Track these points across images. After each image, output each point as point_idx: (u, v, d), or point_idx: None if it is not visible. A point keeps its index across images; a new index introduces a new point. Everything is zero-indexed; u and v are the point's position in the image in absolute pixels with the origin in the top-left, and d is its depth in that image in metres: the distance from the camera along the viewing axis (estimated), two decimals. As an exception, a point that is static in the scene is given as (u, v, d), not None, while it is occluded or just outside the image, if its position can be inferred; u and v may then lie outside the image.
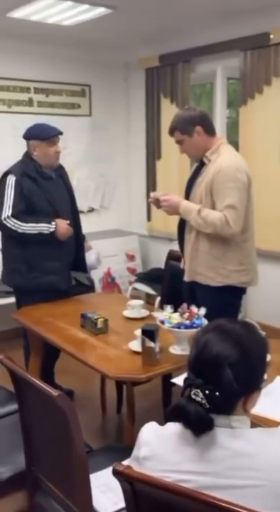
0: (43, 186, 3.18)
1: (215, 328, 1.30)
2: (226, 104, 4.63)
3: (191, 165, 3.08)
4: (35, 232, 3.13)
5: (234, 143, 4.23)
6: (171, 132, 2.90)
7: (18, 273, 3.24)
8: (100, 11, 3.77)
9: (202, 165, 2.89)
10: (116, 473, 1.25)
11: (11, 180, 3.14)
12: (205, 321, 2.35)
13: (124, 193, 5.45)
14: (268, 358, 1.33)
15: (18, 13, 3.79)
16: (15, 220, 3.11)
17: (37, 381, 1.73)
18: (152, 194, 3.07)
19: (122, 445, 2.53)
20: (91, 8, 3.71)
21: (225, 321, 1.32)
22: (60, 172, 3.35)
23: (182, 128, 2.84)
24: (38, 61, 4.75)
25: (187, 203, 2.83)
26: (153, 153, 5.14)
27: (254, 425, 1.31)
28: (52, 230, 3.12)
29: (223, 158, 2.80)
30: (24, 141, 4.81)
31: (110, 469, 1.27)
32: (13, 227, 3.12)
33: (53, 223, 3.13)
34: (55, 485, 1.83)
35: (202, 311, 2.39)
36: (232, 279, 2.84)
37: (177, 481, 1.20)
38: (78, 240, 3.42)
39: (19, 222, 3.11)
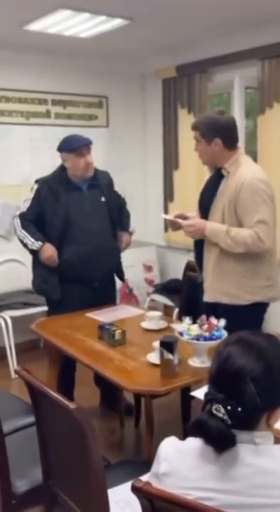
0: (60, 198, 3.19)
1: (238, 341, 1.25)
2: (244, 113, 4.60)
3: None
4: (23, 241, 3.21)
5: (252, 153, 4.20)
6: (193, 128, 2.79)
7: (34, 276, 3.37)
8: (117, 22, 3.78)
9: (219, 177, 2.77)
10: (135, 490, 1.21)
11: (35, 187, 3.27)
12: (225, 333, 2.30)
13: (141, 203, 5.44)
14: None
15: (35, 26, 3.82)
16: (19, 221, 3.24)
17: (54, 393, 1.71)
18: (166, 217, 2.98)
19: (140, 459, 2.49)
20: (108, 19, 3.72)
21: (248, 333, 1.28)
22: (96, 182, 3.31)
23: (203, 131, 2.73)
24: (55, 73, 4.78)
25: (213, 225, 2.68)
26: (170, 163, 5.12)
27: (277, 441, 1.26)
28: (34, 248, 3.18)
29: (244, 170, 2.68)
30: (41, 153, 4.88)
31: (128, 484, 1.23)
32: (15, 225, 3.26)
33: (39, 243, 3.16)
34: (72, 499, 1.80)
35: (222, 322, 2.34)
36: (261, 295, 2.72)
37: (198, 499, 1.16)
38: (112, 251, 3.37)
39: (20, 224, 3.23)
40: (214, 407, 1.18)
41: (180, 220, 2.80)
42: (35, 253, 3.20)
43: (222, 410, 1.16)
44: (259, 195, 2.60)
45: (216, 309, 2.73)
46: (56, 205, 3.18)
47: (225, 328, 2.32)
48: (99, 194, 3.32)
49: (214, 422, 1.17)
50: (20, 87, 4.63)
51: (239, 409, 1.16)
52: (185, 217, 2.87)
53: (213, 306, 2.77)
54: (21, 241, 3.23)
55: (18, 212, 3.28)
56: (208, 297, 2.79)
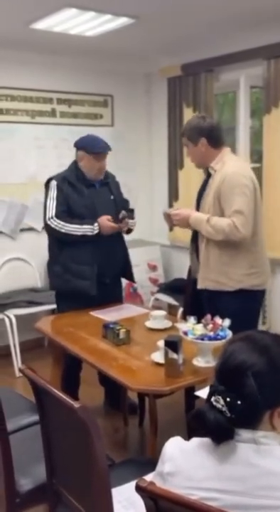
0: (83, 192, 3.23)
1: (243, 338, 1.27)
2: (249, 113, 4.59)
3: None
4: (80, 233, 3.16)
5: (258, 152, 4.19)
6: (181, 135, 3.11)
7: (56, 275, 3.30)
8: (123, 21, 3.78)
9: (209, 176, 2.99)
10: (139, 490, 1.21)
11: (53, 184, 3.25)
12: (230, 333, 2.30)
13: (145, 202, 5.44)
14: None
15: (41, 25, 3.82)
16: (58, 221, 3.18)
17: (58, 392, 1.70)
18: (167, 211, 3.13)
19: (144, 458, 2.49)
20: (113, 18, 3.71)
21: (254, 332, 1.30)
22: (106, 181, 3.38)
23: (188, 135, 2.99)
24: (61, 72, 4.78)
25: (197, 214, 2.94)
26: (175, 162, 5.11)
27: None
28: (96, 231, 3.16)
29: (228, 166, 2.91)
30: (47, 151, 4.87)
31: (133, 483, 1.23)
32: (57, 227, 3.18)
33: (96, 224, 3.15)
34: (76, 498, 1.80)
35: (227, 322, 2.34)
36: (244, 283, 2.91)
37: (202, 499, 1.16)
38: (124, 249, 3.43)
39: (62, 223, 3.17)
40: (214, 398, 1.19)
41: (168, 210, 3.08)
42: (96, 236, 3.18)
43: (221, 401, 1.17)
44: (238, 187, 2.81)
45: (213, 301, 2.92)
46: (80, 200, 3.21)
47: (217, 314, 2.40)
48: (108, 192, 3.38)
49: (212, 413, 1.18)
50: (26, 86, 4.64)
51: (239, 402, 1.16)
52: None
53: (210, 295, 2.97)
54: (77, 235, 3.16)
55: (49, 215, 3.19)
56: (199, 284, 3.00)
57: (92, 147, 3.22)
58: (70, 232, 3.17)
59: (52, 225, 3.19)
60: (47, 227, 3.25)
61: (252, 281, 2.92)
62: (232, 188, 2.81)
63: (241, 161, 3.11)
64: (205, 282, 2.97)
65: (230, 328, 2.31)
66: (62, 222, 3.17)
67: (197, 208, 3.04)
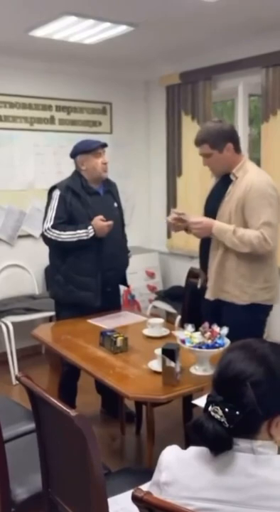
0: (86, 201, 3.20)
1: (241, 347, 1.26)
2: (247, 121, 4.60)
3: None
4: (75, 239, 3.13)
5: (256, 160, 4.19)
6: (199, 144, 2.81)
7: (58, 285, 3.28)
8: (122, 29, 3.79)
9: (226, 182, 2.82)
10: (135, 500, 1.20)
11: (56, 194, 3.22)
12: (227, 341, 2.29)
13: (144, 210, 5.44)
14: None
15: (40, 32, 3.83)
16: (54, 230, 3.16)
17: (54, 400, 1.69)
18: (174, 213, 2.92)
19: (141, 468, 2.48)
20: (112, 26, 3.73)
21: (253, 341, 1.28)
22: (109, 188, 3.37)
23: (213, 142, 2.77)
24: (60, 79, 4.79)
25: (220, 224, 2.74)
26: (173, 170, 5.12)
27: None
28: (91, 234, 3.12)
29: (252, 174, 2.77)
30: (45, 158, 4.88)
31: (129, 493, 1.22)
32: (53, 237, 3.17)
33: (90, 227, 3.12)
34: (72, 508, 1.78)
35: (225, 330, 2.33)
36: (258, 297, 2.78)
37: (200, 509, 1.14)
38: (125, 257, 3.42)
39: (57, 232, 3.15)
40: (212, 409, 1.18)
41: (186, 217, 2.83)
42: (93, 239, 3.14)
43: (220, 412, 1.16)
44: (266, 198, 2.69)
45: (217, 310, 2.80)
46: (83, 210, 3.18)
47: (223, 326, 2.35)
48: (112, 200, 3.37)
49: (211, 424, 1.17)
50: (25, 93, 4.64)
51: (237, 412, 1.15)
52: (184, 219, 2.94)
53: (215, 303, 2.83)
54: (72, 242, 3.14)
55: (46, 226, 3.18)
56: (210, 295, 2.85)
57: (88, 146, 3.24)
58: (65, 239, 3.15)
59: (48, 236, 3.18)
60: (44, 238, 3.24)
61: (264, 296, 2.79)
62: (260, 198, 2.67)
63: (262, 170, 2.95)
64: (217, 293, 2.82)
65: (234, 340, 2.25)
66: (57, 231, 3.15)
67: (207, 214, 2.88)
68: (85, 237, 3.12)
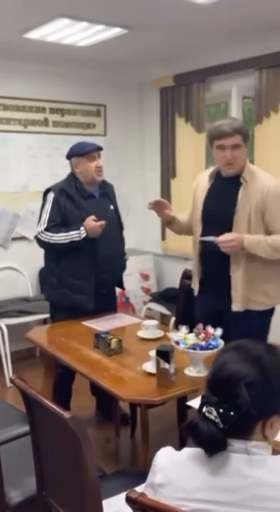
0: (81, 204, 3.18)
1: (235, 348, 1.26)
2: (241, 123, 4.62)
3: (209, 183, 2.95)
4: (67, 241, 3.12)
5: (250, 162, 4.19)
6: (233, 133, 2.68)
7: (52, 287, 3.27)
8: (115, 31, 3.80)
9: (233, 185, 2.75)
10: (129, 501, 1.20)
11: (50, 197, 3.21)
12: (222, 342, 2.30)
13: (138, 212, 5.44)
14: None
15: (34, 34, 3.83)
16: (47, 233, 3.16)
17: (49, 402, 1.69)
18: (212, 239, 2.73)
19: (136, 470, 2.47)
20: (106, 28, 3.73)
21: (247, 341, 1.28)
22: (106, 191, 3.35)
23: (245, 134, 2.73)
24: (54, 81, 4.79)
25: (250, 237, 2.67)
26: (167, 171, 5.13)
27: (274, 452, 1.25)
28: (83, 235, 3.09)
29: (264, 178, 2.74)
30: (39, 161, 4.87)
31: (123, 495, 1.22)
32: (46, 240, 3.17)
33: (82, 228, 3.10)
34: (67, 510, 1.78)
35: (219, 331, 2.34)
36: (277, 299, 2.81)
37: (194, 511, 1.14)
38: (122, 259, 3.41)
39: (50, 234, 3.15)
40: (207, 410, 1.18)
41: (215, 238, 2.69)
42: (85, 239, 3.12)
43: (214, 413, 1.17)
44: None
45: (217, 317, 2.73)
46: (78, 213, 3.16)
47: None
48: (108, 202, 3.36)
49: (205, 424, 1.17)
50: (18, 95, 4.64)
51: (232, 413, 1.16)
52: (166, 205, 3.06)
53: (220, 311, 2.78)
54: (65, 243, 3.12)
55: (39, 229, 3.18)
56: (239, 306, 2.77)
57: (82, 149, 3.22)
58: (58, 241, 3.13)
59: (42, 238, 3.18)
60: (38, 241, 3.24)
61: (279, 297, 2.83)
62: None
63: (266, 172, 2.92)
64: (248, 304, 2.76)
65: None
66: (50, 234, 3.14)
67: (205, 219, 2.83)
68: (77, 238, 3.10)
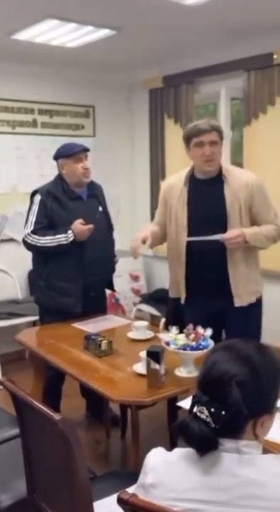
0: (68, 207, 3.16)
1: (226, 347, 1.27)
2: (230, 124, 4.63)
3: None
4: (54, 244, 3.10)
5: (238, 164, 4.21)
6: (211, 129, 2.73)
7: (40, 290, 3.26)
8: (104, 32, 3.79)
9: (214, 184, 2.77)
10: (120, 502, 1.19)
11: (37, 199, 3.19)
12: (212, 342, 2.30)
13: (128, 213, 5.44)
14: None
15: (23, 36, 3.82)
16: (34, 236, 3.13)
17: (39, 404, 1.68)
18: (217, 238, 2.70)
19: (127, 471, 2.46)
20: (95, 29, 3.73)
21: (237, 341, 1.29)
22: (94, 192, 3.32)
23: (221, 133, 2.78)
24: (42, 82, 4.78)
25: (249, 230, 2.73)
26: (157, 173, 5.13)
27: (265, 451, 1.25)
28: (71, 239, 3.07)
29: (241, 173, 2.88)
30: (28, 162, 4.85)
31: (115, 497, 1.22)
32: (33, 243, 3.14)
33: (69, 232, 3.07)
34: (58, 513, 1.77)
35: (209, 332, 2.34)
36: (261, 282, 2.92)
37: (185, 510, 1.14)
38: (111, 262, 3.38)
39: (37, 237, 3.13)
40: (198, 409, 1.18)
41: (222, 235, 2.69)
42: (73, 243, 3.09)
43: (206, 412, 1.17)
44: (266, 191, 2.82)
45: (218, 319, 2.76)
46: (64, 214, 3.14)
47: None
48: (97, 204, 3.33)
49: (197, 424, 1.17)
50: (7, 96, 4.62)
51: (223, 412, 1.16)
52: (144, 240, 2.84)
53: (223, 311, 2.82)
54: (52, 247, 3.10)
55: (26, 232, 3.15)
56: (242, 301, 2.81)
57: (68, 150, 3.20)
58: (45, 245, 3.11)
59: (29, 241, 3.15)
60: (24, 244, 3.21)
61: (261, 283, 2.93)
62: (263, 192, 2.80)
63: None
64: (249, 298, 2.82)
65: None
66: (36, 237, 3.12)
67: (194, 223, 2.78)
68: (65, 242, 3.08)
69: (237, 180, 2.77)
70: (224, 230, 2.72)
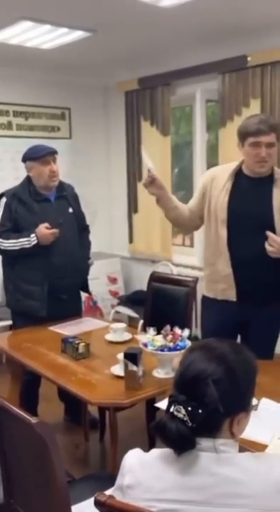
0: (33, 209, 3.13)
1: (202, 347, 1.27)
2: (205, 126, 4.66)
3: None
4: (17, 247, 3.07)
5: (214, 165, 4.22)
6: (269, 131, 2.54)
7: (9, 293, 3.24)
8: (79, 34, 3.79)
9: (264, 184, 2.63)
10: (98, 504, 1.19)
11: (2, 201, 3.16)
12: (189, 343, 2.30)
13: (105, 215, 5.43)
14: None
15: (-3, 37, 3.79)
16: None
17: (15, 408, 1.66)
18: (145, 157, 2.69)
19: (105, 473, 2.45)
20: (70, 31, 3.72)
21: (213, 340, 1.30)
22: (64, 193, 3.27)
23: (279, 132, 2.58)
24: (17, 84, 4.74)
25: None
26: (134, 174, 5.14)
27: (241, 449, 1.26)
28: (34, 242, 3.04)
29: None
30: (3, 165, 4.81)
31: (92, 500, 1.21)
32: None
33: (33, 235, 3.04)
34: (35, 518, 1.75)
35: (186, 332, 2.34)
36: None
37: (163, 511, 1.14)
38: (82, 264, 3.36)
39: (1, 240, 3.11)
40: (175, 408, 1.18)
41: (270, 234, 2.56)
42: (36, 247, 3.06)
43: (183, 411, 1.17)
44: None
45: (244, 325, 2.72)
46: (30, 217, 3.11)
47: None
48: (66, 205, 3.29)
49: (174, 423, 1.17)
50: (-19, 98, 4.58)
51: (200, 411, 1.16)
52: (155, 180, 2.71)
53: (246, 318, 2.72)
54: (15, 250, 3.08)
55: None
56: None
57: (35, 153, 3.16)
58: (8, 248, 3.09)
59: None
60: None
61: None
62: None
63: None
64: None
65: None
66: (0, 240, 3.11)
67: (234, 218, 2.64)
68: (27, 246, 3.05)
69: None
70: (264, 230, 2.56)
